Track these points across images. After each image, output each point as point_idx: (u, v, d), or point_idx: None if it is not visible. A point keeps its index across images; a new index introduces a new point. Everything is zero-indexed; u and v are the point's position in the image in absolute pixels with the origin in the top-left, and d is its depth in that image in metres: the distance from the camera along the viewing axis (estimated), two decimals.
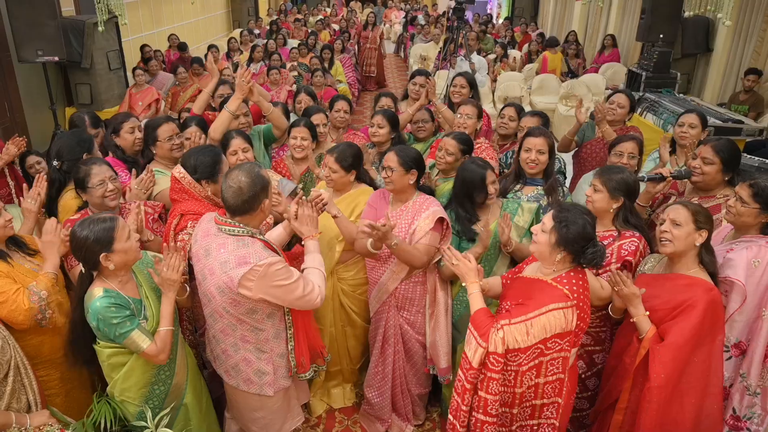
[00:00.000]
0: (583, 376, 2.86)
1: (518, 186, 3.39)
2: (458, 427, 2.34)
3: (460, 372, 2.35)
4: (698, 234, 2.44)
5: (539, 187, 3.33)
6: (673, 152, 3.89)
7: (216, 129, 3.67)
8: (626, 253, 2.72)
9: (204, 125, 3.83)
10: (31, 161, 4.04)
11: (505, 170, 3.98)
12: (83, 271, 2.38)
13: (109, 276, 2.35)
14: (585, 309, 2.28)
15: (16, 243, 2.63)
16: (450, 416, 2.38)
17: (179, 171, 2.89)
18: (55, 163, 3.26)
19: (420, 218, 2.93)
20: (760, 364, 2.55)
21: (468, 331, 2.34)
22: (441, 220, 2.92)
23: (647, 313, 2.50)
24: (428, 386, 3.45)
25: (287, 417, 2.82)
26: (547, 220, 2.29)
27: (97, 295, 2.27)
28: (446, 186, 3.39)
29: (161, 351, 2.37)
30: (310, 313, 2.72)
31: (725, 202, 2.80)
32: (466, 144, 3.42)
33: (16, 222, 2.81)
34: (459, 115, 4.02)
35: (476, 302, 2.41)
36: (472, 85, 4.81)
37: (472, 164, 3.01)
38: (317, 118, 4.04)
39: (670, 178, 2.98)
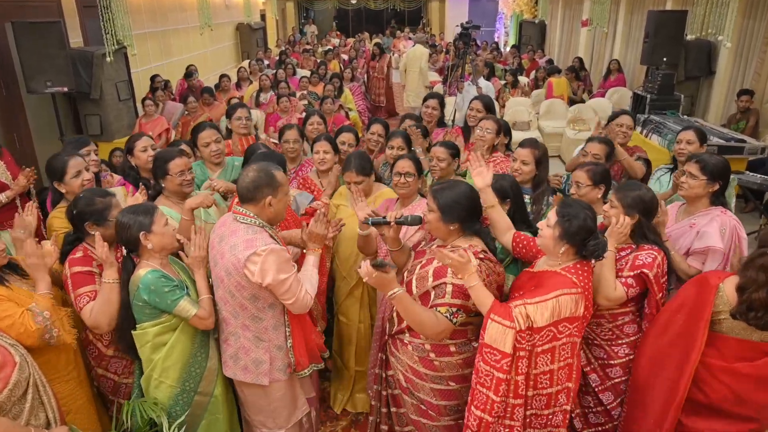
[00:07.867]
0: (597, 389, 2.88)
1: None
2: (488, 419, 2.37)
3: (485, 367, 2.38)
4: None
5: (527, 196, 3.45)
6: (675, 169, 3.96)
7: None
8: (641, 263, 2.73)
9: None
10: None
11: None
12: (126, 255, 2.69)
13: (151, 258, 2.67)
14: (589, 299, 2.47)
15: (9, 266, 2.67)
16: (477, 412, 2.39)
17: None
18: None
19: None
20: None
21: (489, 322, 2.36)
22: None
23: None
24: None
25: (293, 408, 2.99)
26: (552, 215, 2.49)
27: (144, 273, 2.59)
28: None
29: (209, 315, 2.72)
30: (305, 316, 2.88)
31: (454, 249, 2.60)
32: (454, 148, 3.71)
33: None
34: (479, 129, 4.15)
35: (484, 294, 2.42)
36: (488, 108, 4.91)
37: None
38: (346, 137, 4.29)
39: (394, 224, 2.84)
